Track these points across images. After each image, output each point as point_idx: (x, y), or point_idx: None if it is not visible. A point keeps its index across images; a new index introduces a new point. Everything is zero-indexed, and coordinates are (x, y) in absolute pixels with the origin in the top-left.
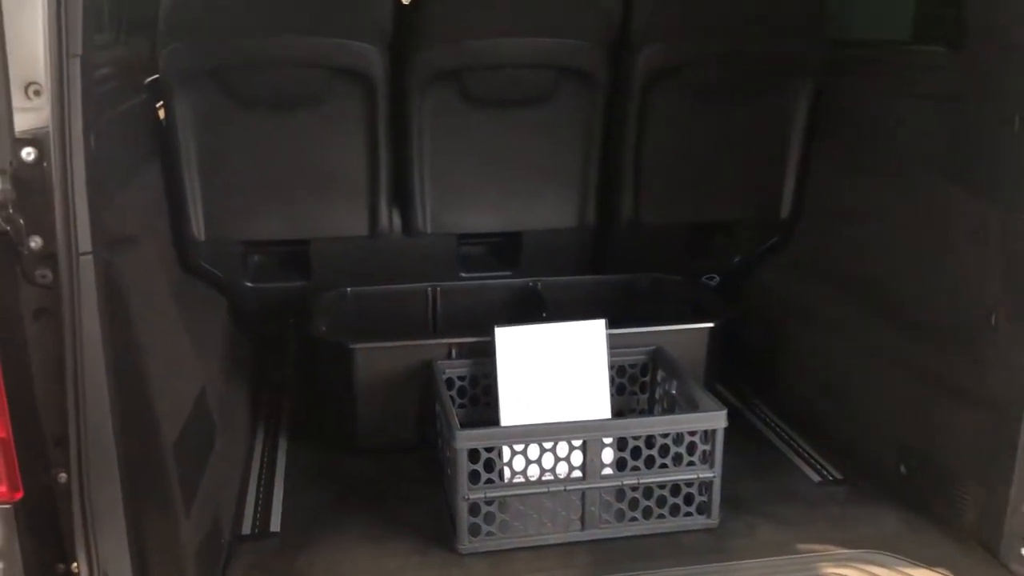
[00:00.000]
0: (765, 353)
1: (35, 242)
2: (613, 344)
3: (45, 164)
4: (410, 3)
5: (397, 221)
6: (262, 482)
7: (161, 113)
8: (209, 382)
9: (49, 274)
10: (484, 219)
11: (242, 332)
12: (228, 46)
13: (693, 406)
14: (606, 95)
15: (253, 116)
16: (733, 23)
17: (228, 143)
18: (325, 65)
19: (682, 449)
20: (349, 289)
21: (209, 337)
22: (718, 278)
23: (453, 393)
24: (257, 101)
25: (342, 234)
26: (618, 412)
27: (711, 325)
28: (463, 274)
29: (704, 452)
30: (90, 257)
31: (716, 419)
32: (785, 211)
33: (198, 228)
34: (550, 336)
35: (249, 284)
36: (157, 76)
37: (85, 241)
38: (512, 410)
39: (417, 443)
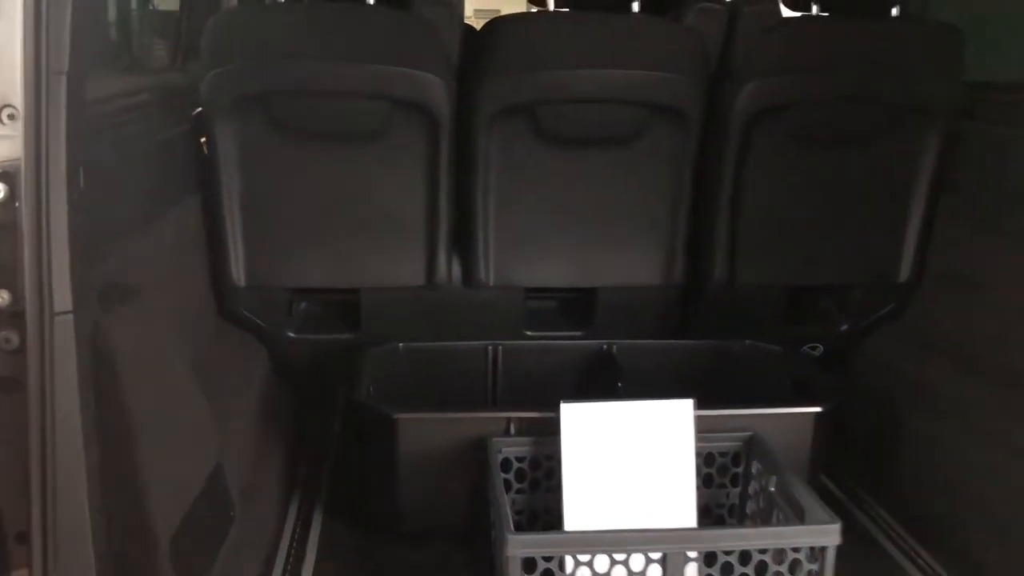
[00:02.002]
0: (876, 440)
1: (1, 298)
2: (701, 427)
3: (17, 204)
4: (482, 28)
5: (457, 271)
6: (289, 566)
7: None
8: (228, 457)
9: (15, 338)
10: (555, 272)
11: (283, 386)
12: (276, 72)
13: (797, 511)
14: (700, 136)
15: (302, 150)
16: (852, 57)
17: (274, 179)
18: (383, 96)
19: (784, 568)
20: (401, 344)
21: (242, 394)
22: (822, 348)
23: (510, 476)
24: (307, 134)
25: (396, 283)
26: (703, 508)
27: (819, 409)
28: (528, 332)
29: (811, 573)
30: (69, 317)
31: (827, 534)
32: (904, 274)
33: (238, 272)
34: (626, 415)
35: (292, 334)
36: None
37: (63, 298)
38: (577, 507)
39: (468, 530)
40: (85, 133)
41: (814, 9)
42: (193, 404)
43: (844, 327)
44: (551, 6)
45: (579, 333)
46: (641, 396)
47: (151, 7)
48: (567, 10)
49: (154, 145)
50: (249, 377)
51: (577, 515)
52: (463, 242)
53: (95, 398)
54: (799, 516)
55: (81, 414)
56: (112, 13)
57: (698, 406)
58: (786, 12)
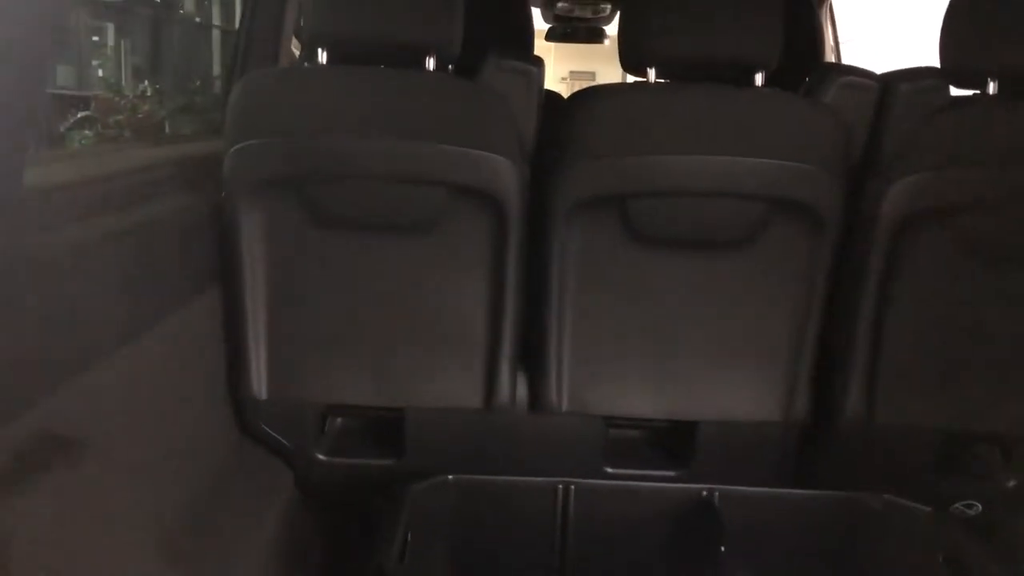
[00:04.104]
0: None
1: None
2: None
3: None
4: (567, 101)
5: (523, 392)
6: None
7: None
8: None
9: None
10: (645, 400)
11: (310, 517)
12: (312, 150)
13: None
14: (836, 241)
15: (340, 242)
16: None
17: (306, 275)
18: (439, 181)
19: None
20: (451, 477)
21: (260, 526)
22: (980, 507)
23: None
24: (346, 223)
25: (448, 404)
26: None
27: None
28: (609, 469)
29: None
30: None
31: None
32: None
33: (259, 382)
34: None
35: (323, 457)
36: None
37: None
38: None
39: None
40: None
41: (991, 87)
42: (199, 535)
43: (1011, 483)
44: (652, 77)
45: (672, 474)
46: (749, 559)
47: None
48: (670, 82)
49: (167, 227)
50: (270, 505)
51: None
52: (531, 358)
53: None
54: None
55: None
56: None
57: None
58: (955, 91)
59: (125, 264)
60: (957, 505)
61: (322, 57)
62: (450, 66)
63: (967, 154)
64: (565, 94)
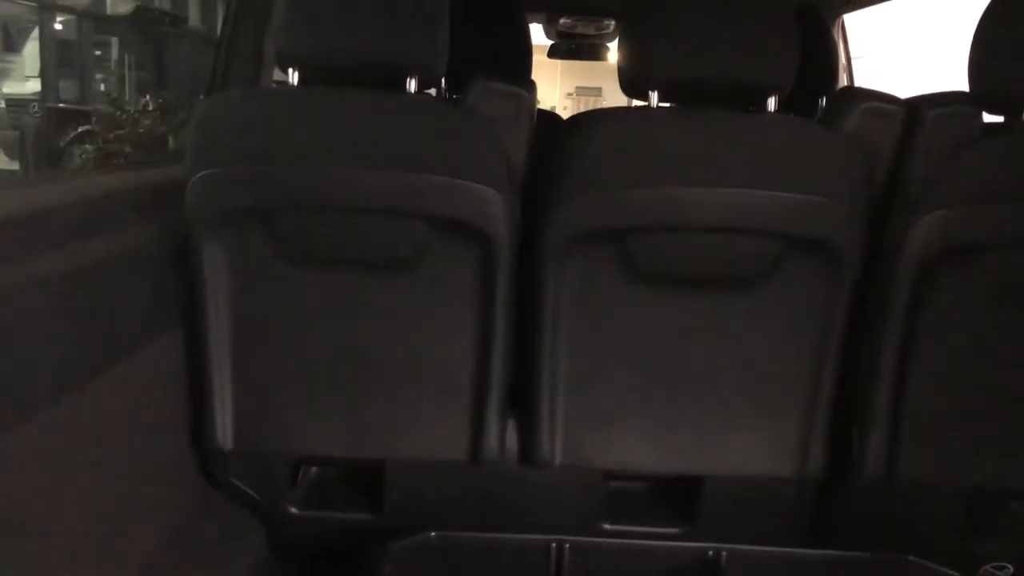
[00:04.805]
0: None
1: None
2: None
3: None
4: (563, 125)
5: (512, 442)
6: None
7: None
8: None
9: None
10: (646, 453)
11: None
12: (282, 178)
13: None
14: (856, 282)
15: (313, 279)
16: None
17: (276, 315)
18: (421, 213)
19: None
20: (434, 533)
21: None
22: (1011, 569)
23: None
24: (320, 259)
25: (431, 456)
26: None
27: None
28: (607, 525)
29: None
30: None
31: None
32: None
33: (224, 431)
34: None
35: (296, 510)
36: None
37: None
38: None
39: None
40: None
41: None
42: None
43: None
44: (654, 101)
45: (676, 531)
46: None
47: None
48: (674, 106)
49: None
50: (239, 563)
51: None
52: (522, 406)
53: None
54: None
55: None
56: None
57: None
58: (988, 117)
59: (72, 304)
60: (987, 567)
61: (294, 78)
62: (442, 87)
63: (1002, 188)
64: (572, 109)
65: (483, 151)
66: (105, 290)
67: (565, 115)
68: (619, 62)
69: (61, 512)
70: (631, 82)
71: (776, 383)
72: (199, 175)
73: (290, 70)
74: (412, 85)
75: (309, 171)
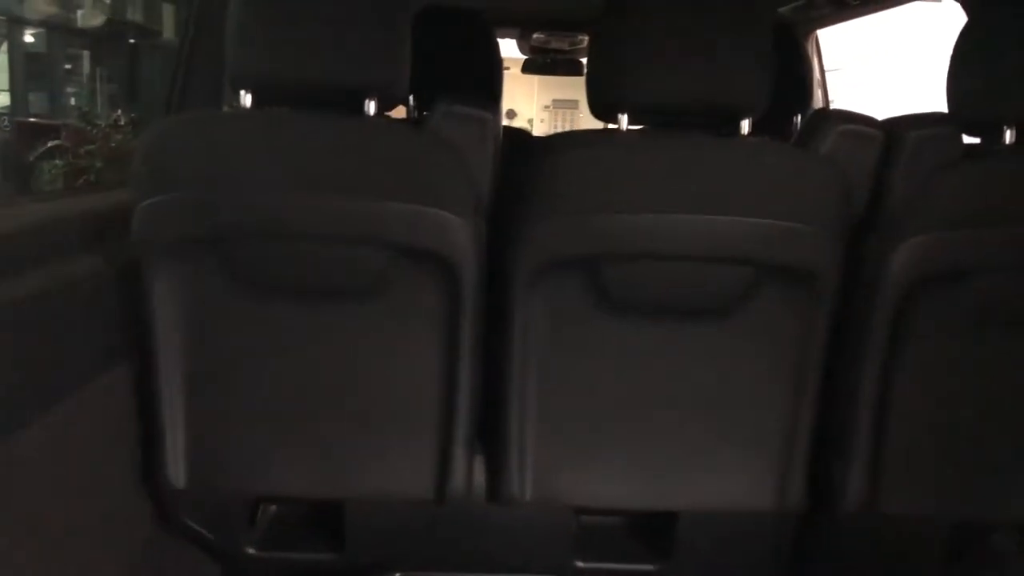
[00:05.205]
0: None
1: None
2: None
3: None
4: (532, 146)
5: (480, 478)
6: None
7: None
8: None
9: None
10: (619, 488)
11: None
12: (235, 205)
13: None
14: (835, 309)
15: (269, 310)
16: None
17: (229, 346)
18: (381, 241)
19: None
20: (399, 574)
21: None
22: None
23: None
24: (277, 289)
25: (395, 494)
26: None
27: None
28: (580, 563)
29: None
30: None
31: None
32: None
33: (176, 469)
34: None
35: (253, 551)
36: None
37: None
38: None
39: None
40: None
41: (1008, 136)
42: None
43: None
44: (623, 124)
45: (652, 568)
46: None
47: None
48: (646, 129)
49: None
50: None
51: None
52: (490, 441)
53: None
54: None
55: None
56: None
57: None
58: (969, 139)
59: (21, 336)
60: None
61: (246, 100)
62: (411, 105)
63: (985, 211)
64: (549, 121)
65: (446, 176)
66: (52, 322)
67: (543, 127)
68: (587, 83)
69: (7, 552)
70: (600, 104)
71: (754, 414)
72: (146, 202)
73: (243, 92)
74: (371, 107)
75: (263, 198)
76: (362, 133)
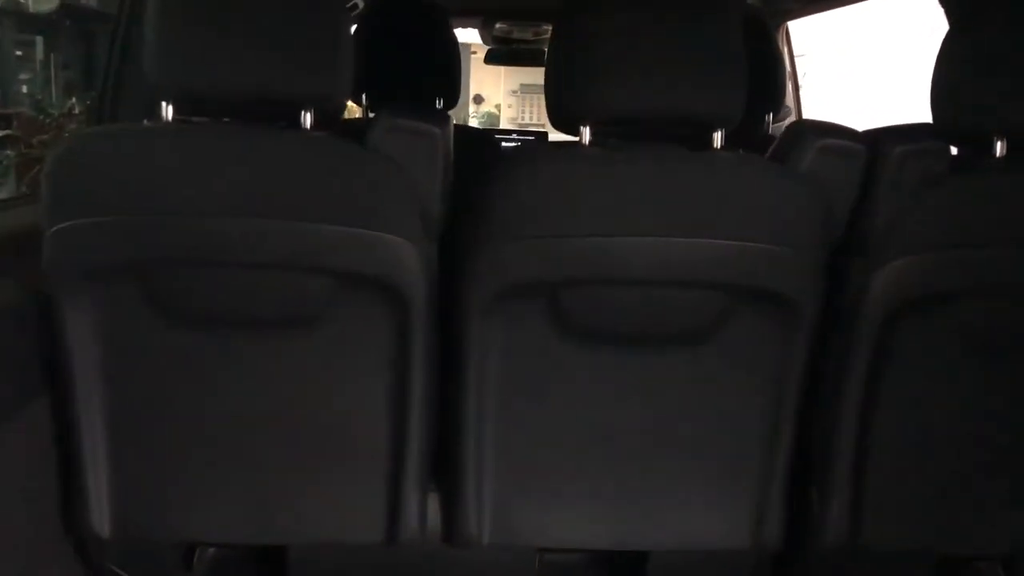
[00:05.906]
0: None
1: None
2: None
3: None
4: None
5: (435, 519)
6: None
7: None
8: None
9: None
10: (584, 527)
11: None
12: (157, 230)
13: None
14: (813, 335)
15: (199, 341)
16: None
17: (156, 382)
18: (321, 268)
19: None
20: None
21: None
22: None
23: None
24: (206, 318)
25: (342, 538)
26: None
27: None
28: None
29: None
30: None
31: None
32: None
33: (100, 516)
34: None
35: None
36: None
37: None
38: None
39: None
40: None
41: (998, 148)
42: None
43: None
44: (585, 137)
45: None
46: None
47: None
48: (612, 142)
49: None
50: None
51: None
52: (444, 479)
53: None
54: None
55: None
56: None
57: None
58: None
59: None
60: None
61: (167, 112)
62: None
63: (973, 231)
64: (516, 107)
65: (390, 196)
66: None
67: (510, 112)
68: (545, 91)
69: None
70: (560, 115)
71: (727, 447)
72: (57, 227)
73: (163, 103)
74: (308, 120)
75: (187, 221)
76: (296, 149)
